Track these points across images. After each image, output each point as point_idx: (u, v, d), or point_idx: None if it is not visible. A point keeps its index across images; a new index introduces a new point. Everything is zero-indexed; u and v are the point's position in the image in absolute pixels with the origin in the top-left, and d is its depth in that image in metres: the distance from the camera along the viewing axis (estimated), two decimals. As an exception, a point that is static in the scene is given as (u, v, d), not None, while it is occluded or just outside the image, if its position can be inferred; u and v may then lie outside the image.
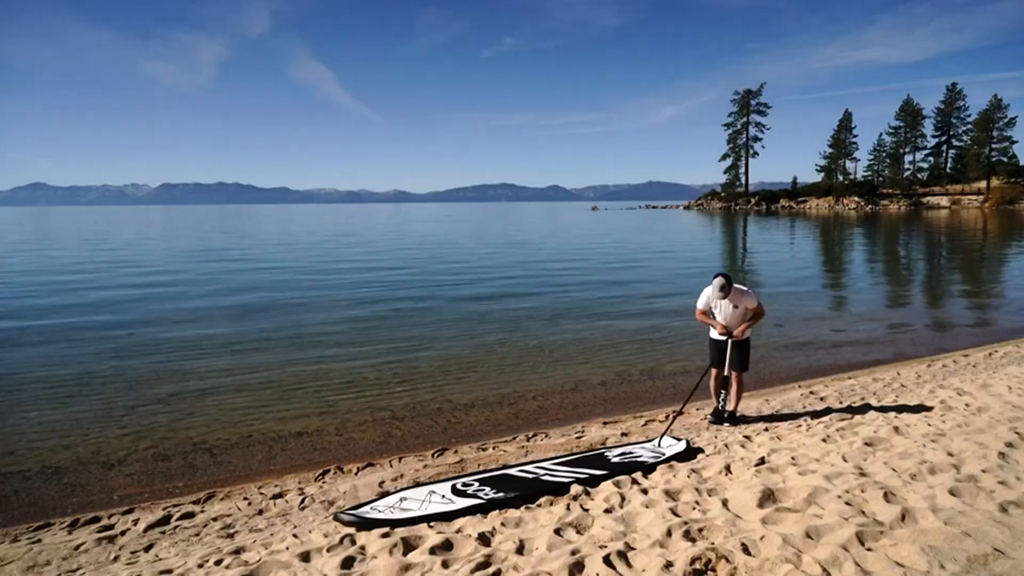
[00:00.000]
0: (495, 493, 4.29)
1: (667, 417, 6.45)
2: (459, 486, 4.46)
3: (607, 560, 3.10)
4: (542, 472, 4.75)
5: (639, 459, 4.94)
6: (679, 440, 5.32)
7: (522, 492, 4.31)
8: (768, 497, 3.76)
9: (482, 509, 4.05)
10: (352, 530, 3.81)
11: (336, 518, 4.05)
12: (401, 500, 4.20)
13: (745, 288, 5.83)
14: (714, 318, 5.96)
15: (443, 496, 4.27)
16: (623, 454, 5.12)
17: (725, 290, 5.67)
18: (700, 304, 6.00)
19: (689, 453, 5.07)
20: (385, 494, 4.46)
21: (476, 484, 4.50)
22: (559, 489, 4.31)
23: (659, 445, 5.30)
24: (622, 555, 3.16)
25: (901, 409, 5.89)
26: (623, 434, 5.97)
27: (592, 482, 4.42)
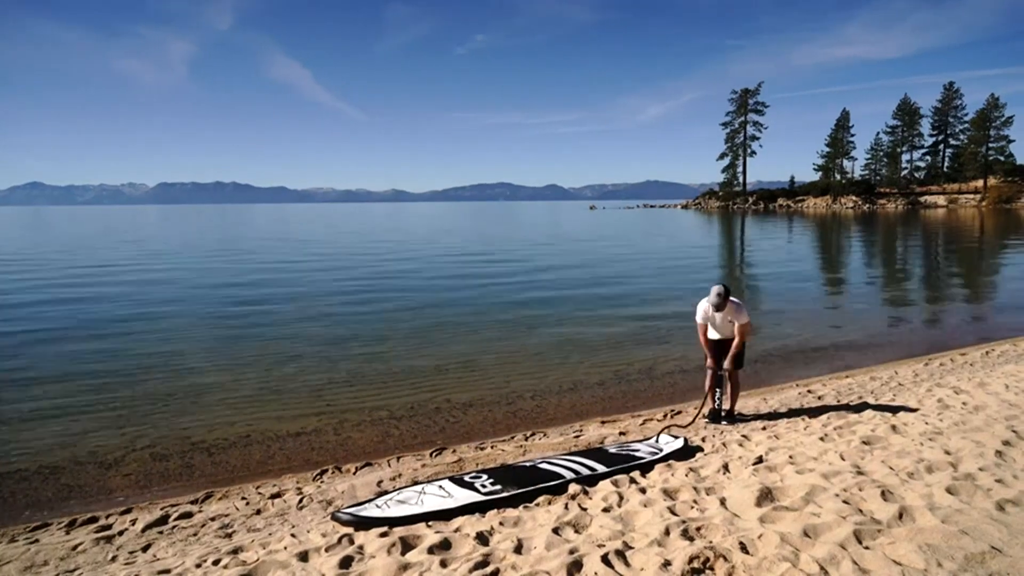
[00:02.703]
0: (493, 484, 4.29)
1: (665, 416, 6.46)
2: (456, 476, 4.48)
3: (605, 559, 3.10)
4: (539, 461, 4.79)
5: (637, 453, 4.96)
6: (676, 438, 5.34)
7: (521, 482, 4.32)
8: (766, 496, 3.77)
9: (480, 507, 4.05)
10: (350, 529, 3.80)
11: (334, 517, 4.05)
12: (399, 498, 4.19)
13: (739, 302, 5.85)
14: (708, 342, 5.98)
15: (440, 487, 4.27)
16: (622, 448, 5.17)
17: (721, 298, 5.67)
18: (699, 317, 5.97)
19: (687, 451, 5.08)
20: (383, 493, 4.46)
21: (474, 473, 4.53)
22: (559, 488, 4.31)
23: (657, 441, 5.34)
24: (620, 554, 3.16)
25: (898, 408, 5.90)
26: (621, 433, 5.97)
27: (590, 481, 4.43)
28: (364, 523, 3.87)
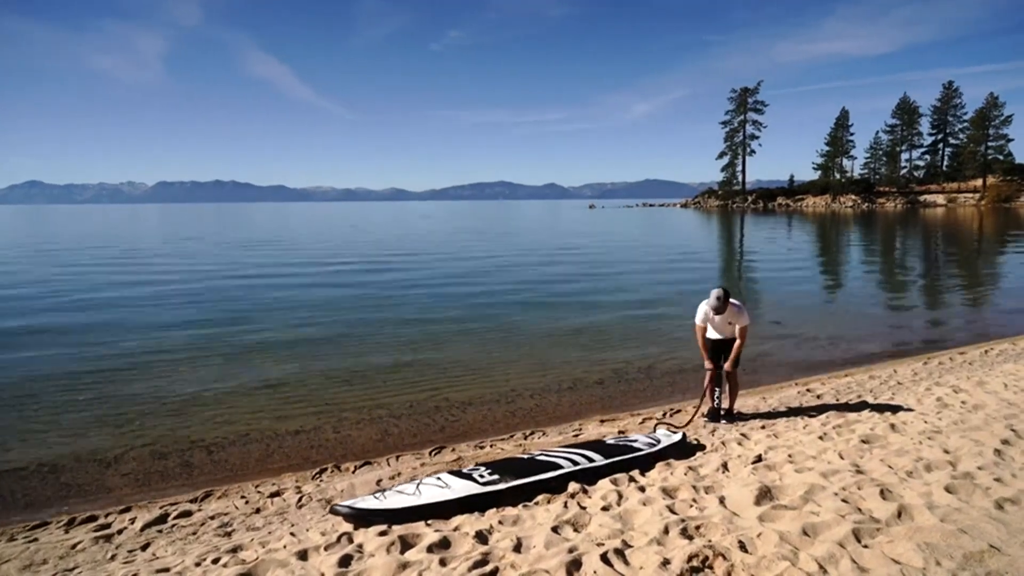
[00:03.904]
0: (492, 474, 4.29)
1: (664, 415, 6.47)
2: (454, 468, 4.49)
3: (604, 558, 3.10)
4: (538, 454, 4.81)
5: (635, 445, 4.97)
6: (675, 432, 5.37)
7: (519, 472, 4.32)
8: (765, 494, 3.77)
9: (480, 498, 4.05)
10: (349, 528, 3.81)
11: (332, 510, 4.04)
12: (397, 489, 4.19)
13: (739, 305, 5.85)
14: (707, 342, 5.99)
15: (438, 478, 4.27)
16: (620, 439, 5.21)
17: (720, 301, 5.69)
18: (698, 320, 5.98)
19: (686, 449, 5.09)
20: (382, 491, 4.46)
21: (472, 464, 4.53)
22: (558, 487, 4.31)
23: (654, 431, 5.39)
24: (619, 553, 3.17)
25: (897, 407, 5.91)
26: (620, 432, 5.98)
27: (589, 475, 4.44)
28: (362, 514, 3.86)
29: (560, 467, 4.45)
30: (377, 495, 4.08)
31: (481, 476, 4.27)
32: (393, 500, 3.98)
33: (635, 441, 5.09)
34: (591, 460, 4.60)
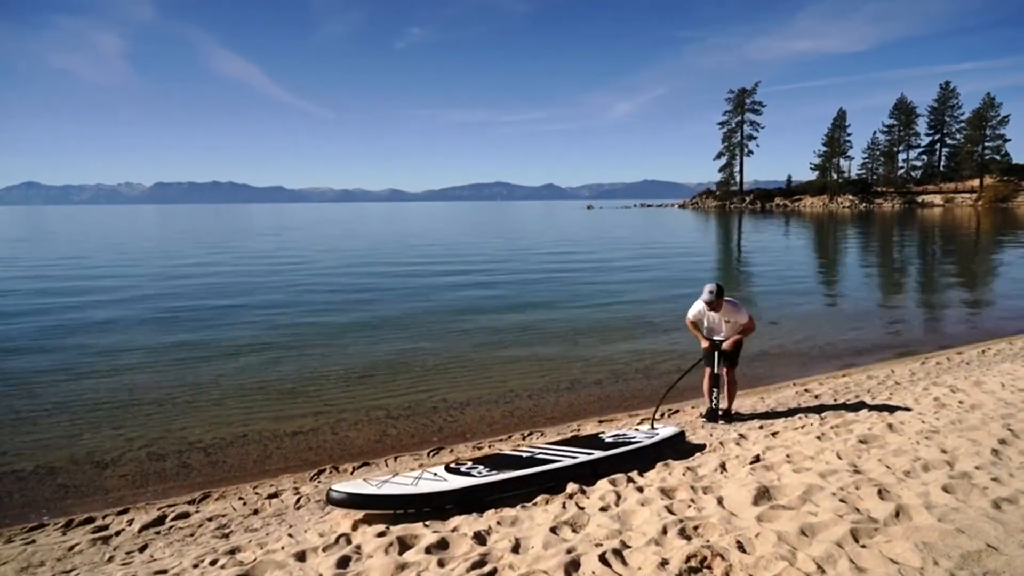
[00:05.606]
0: (488, 470, 4.30)
1: (662, 416, 6.47)
2: (452, 465, 4.49)
3: (603, 558, 3.10)
4: (536, 451, 4.79)
5: (633, 439, 4.97)
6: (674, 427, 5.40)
7: (516, 467, 4.32)
8: (763, 495, 3.77)
9: (477, 490, 4.05)
10: (348, 529, 3.80)
11: (328, 498, 4.03)
12: (394, 480, 4.18)
13: (735, 301, 5.84)
14: (703, 330, 5.98)
15: (435, 474, 4.28)
16: (617, 435, 5.19)
17: (714, 295, 5.66)
18: (691, 314, 5.99)
19: (685, 449, 5.09)
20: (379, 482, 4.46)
21: (469, 463, 4.53)
22: (556, 487, 4.31)
23: (652, 427, 5.38)
24: (617, 553, 3.17)
25: (895, 407, 5.91)
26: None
27: (589, 475, 4.44)
28: (356, 500, 3.87)
29: (559, 461, 4.46)
30: (372, 482, 4.08)
31: (480, 473, 4.28)
32: (388, 488, 3.99)
33: (633, 437, 5.09)
34: (590, 454, 4.61)
